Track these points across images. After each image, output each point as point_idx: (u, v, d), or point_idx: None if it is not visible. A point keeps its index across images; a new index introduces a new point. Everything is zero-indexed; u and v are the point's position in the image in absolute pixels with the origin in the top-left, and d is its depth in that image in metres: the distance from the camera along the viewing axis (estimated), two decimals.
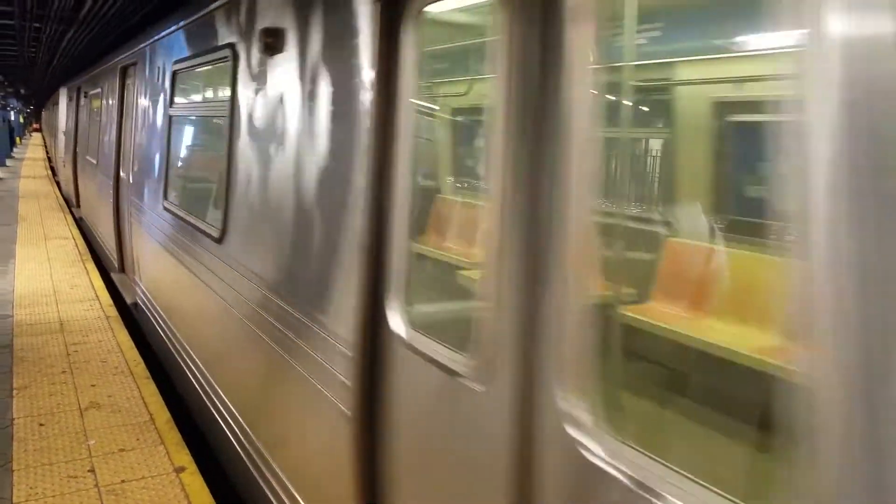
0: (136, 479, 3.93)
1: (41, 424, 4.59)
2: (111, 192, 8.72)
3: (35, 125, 63.21)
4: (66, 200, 16.20)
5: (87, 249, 10.65)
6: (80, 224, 13.01)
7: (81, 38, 13.12)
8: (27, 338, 6.32)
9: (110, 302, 7.62)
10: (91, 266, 9.41)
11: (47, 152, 33.47)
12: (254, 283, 3.45)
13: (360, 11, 2.39)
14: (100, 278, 8.71)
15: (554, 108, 1.56)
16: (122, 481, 3.90)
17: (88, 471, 4.01)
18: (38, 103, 55.66)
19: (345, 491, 2.40)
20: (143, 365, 5.73)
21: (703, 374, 3.02)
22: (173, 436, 4.48)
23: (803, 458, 1.01)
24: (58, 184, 19.76)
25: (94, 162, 10.93)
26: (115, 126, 8.82)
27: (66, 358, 5.84)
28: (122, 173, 8.27)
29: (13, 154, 32.25)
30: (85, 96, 13.17)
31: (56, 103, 24.12)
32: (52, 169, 24.71)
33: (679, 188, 3.78)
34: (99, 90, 11.12)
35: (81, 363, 5.73)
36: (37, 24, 12.67)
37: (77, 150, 14.27)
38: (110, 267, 9.02)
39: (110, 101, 9.63)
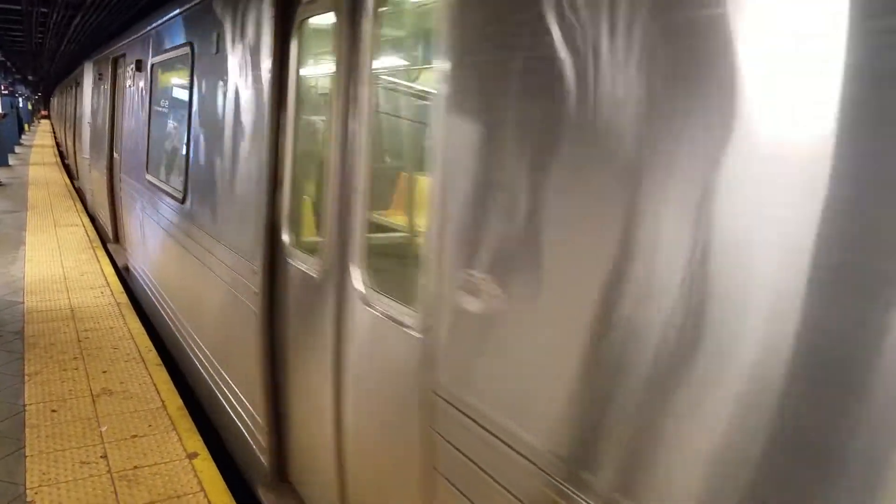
0: (149, 465, 3.93)
1: (53, 410, 4.60)
2: (244, 293, 3.68)
3: (43, 112, 63.30)
4: (91, 217, 12.08)
5: (97, 236, 10.66)
6: (123, 275, 8.15)
7: (89, 23, 13.05)
8: (38, 324, 6.33)
9: (121, 289, 7.63)
10: (101, 253, 9.42)
11: (56, 139, 33.54)
12: None
13: None
14: (110, 265, 8.72)
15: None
16: (135, 467, 3.91)
17: (101, 457, 4.01)
18: (46, 90, 55.73)
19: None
20: (154, 352, 5.73)
21: None
22: (185, 422, 4.49)
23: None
24: (78, 190, 15.40)
25: (177, 197, 5.27)
26: (248, 134, 3.75)
27: (78, 344, 5.85)
28: (288, 264, 3.31)
29: (22, 141, 32.34)
30: (138, 69, 7.29)
31: (74, 85, 17.48)
32: (62, 156, 24.69)
33: None
34: (185, 50, 5.21)
35: (93, 349, 5.74)
36: (44, 10, 12.61)
37: (117, 157, 8.97)
38: (235, 445, 4.16)
39: (231, 76, 4.08)
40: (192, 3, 5.10)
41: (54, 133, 38.05)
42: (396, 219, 3.75)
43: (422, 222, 2.19)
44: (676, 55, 1.36)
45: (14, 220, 11.88)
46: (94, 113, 11.75)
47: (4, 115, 24.08)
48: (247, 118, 3.77)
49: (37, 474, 3.80)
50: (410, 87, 3.80)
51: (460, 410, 1.92)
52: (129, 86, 8.07)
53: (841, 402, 1.13)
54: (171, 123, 5.96)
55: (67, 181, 17.77)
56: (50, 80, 40.65)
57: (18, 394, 4.85)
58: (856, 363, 1.11)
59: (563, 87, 1.58)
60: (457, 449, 1.95)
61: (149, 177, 6.55)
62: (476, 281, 1.85)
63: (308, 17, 3.11)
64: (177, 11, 5.61)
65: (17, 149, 27.62)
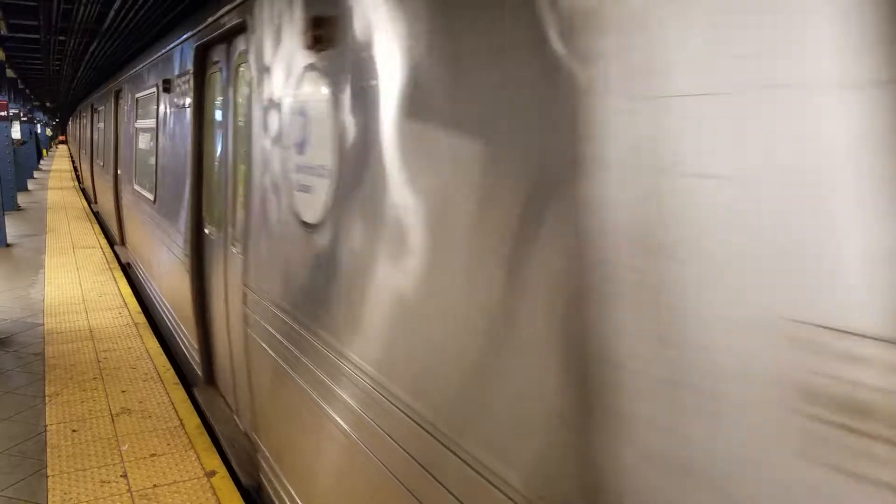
0: (168, 484, 3.96)
1: (74, 430, 4.65)
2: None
3: (61, 137, 64.37)
4: None
5: (115, 258, 10.80)
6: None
7: (105, 50, 13.31)
8: (58, 345, 6.42)
9: (138, 309, 7.72)
10: (119, 274, 9.54)
11: (73, 164, 34.05)
12: None
13: None
14: (128, 286, 8.82)
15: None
16: (155, 486, 3.94)
17: (121, 476, 4.05)
18: (63, 116, 56.67)
19: None
20: (172, 371, 5.78)
21: None
22: (203, 440, 4.52)
23: None
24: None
25: None
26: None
27: (97, 364, 5.92)
28: None
29: (40, 166, 32.87)
30: None
31: (125, 95, 10.55)
32: (79, 179, 25.02)
33: None
34: None
35: (112, 370, 5.80)
36: (61, 38, 12.87)
37: None
38: None
39: None
40: None
41: (71, 157, 38.63)
42: None
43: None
44: None
45: (34, 243, 12.06)
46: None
47: (24, 142, 24.50)
48: None
49: (59, 494, 3.84)
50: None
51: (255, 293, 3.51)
52: None
53: None
54: None
55: (84, 205, 18.01)
56: (67, 106, 41.36)
57: (39, 414, 4.91)
58: None
59: None
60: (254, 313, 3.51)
61: None
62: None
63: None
64: None
65: (36, 174, 28.06)
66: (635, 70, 1.27)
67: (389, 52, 2.07)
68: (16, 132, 23.50)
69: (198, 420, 4.83)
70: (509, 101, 1.57)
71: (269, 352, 3.26)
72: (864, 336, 0.95)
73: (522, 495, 1.51)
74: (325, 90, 2.58)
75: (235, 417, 4.39)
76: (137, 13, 8.76)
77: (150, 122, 7.58)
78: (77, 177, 22.53)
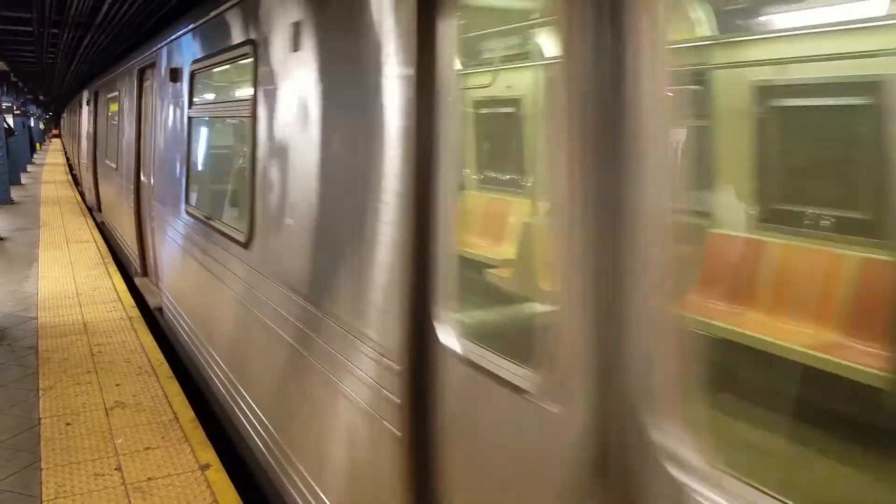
0: (162, 477, 3.97)
1: (68, 424, 4.65)
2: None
3: (55, 131, 63.90)
4: None
5: (109, 252, 10.76)
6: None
7: (98, 43, 13.25)
8: (52, 339, 6.41)
9: (133, 303, 7.71)
10: (113, 269, 9.52)
11: (67, 157, 33.89)
12: None
13: None
14: (122, 281, 8.81)
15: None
16: (149, 479, 3.95)
17: (115, 469, 4.06)
18: (57, 109, 56.37)
19: None
20: (166, 365, 5.79)
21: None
22: (198, 434, 4.53)
23: None
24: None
25: None
26: None
27: (91, 358, 5.91)
28: None
29: (33, 160, 32.70)
30: None
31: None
32: (73, 175, 24.91)
33: None
34: None
35: (106, 363, 5.80)
36: (55, 31, 12.80)
37: None
38: None
39: None
40: None
41: (65, 151, 38.45)
42: None
43: None
44: None
45: (27, 237, 12.02)
46: None
47: (14, 132, 24.36)
48: None
49: (52, 486, 3.85)
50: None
51: None
52: None
53: None
54: None
55: (79, 198, 17.93)
56: (60, 99, 41.15)
57: (33, 408, 4.91)
58: None
59: None
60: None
61: None
62: None
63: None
64: None
65: (29, 167, 27.93)
66: None
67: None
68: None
69: (192, 414, 4.84)
70: None
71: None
72: None
73: None
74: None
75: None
76: (131, 7, 8.73)
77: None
78: (81, 193, 20.93)
